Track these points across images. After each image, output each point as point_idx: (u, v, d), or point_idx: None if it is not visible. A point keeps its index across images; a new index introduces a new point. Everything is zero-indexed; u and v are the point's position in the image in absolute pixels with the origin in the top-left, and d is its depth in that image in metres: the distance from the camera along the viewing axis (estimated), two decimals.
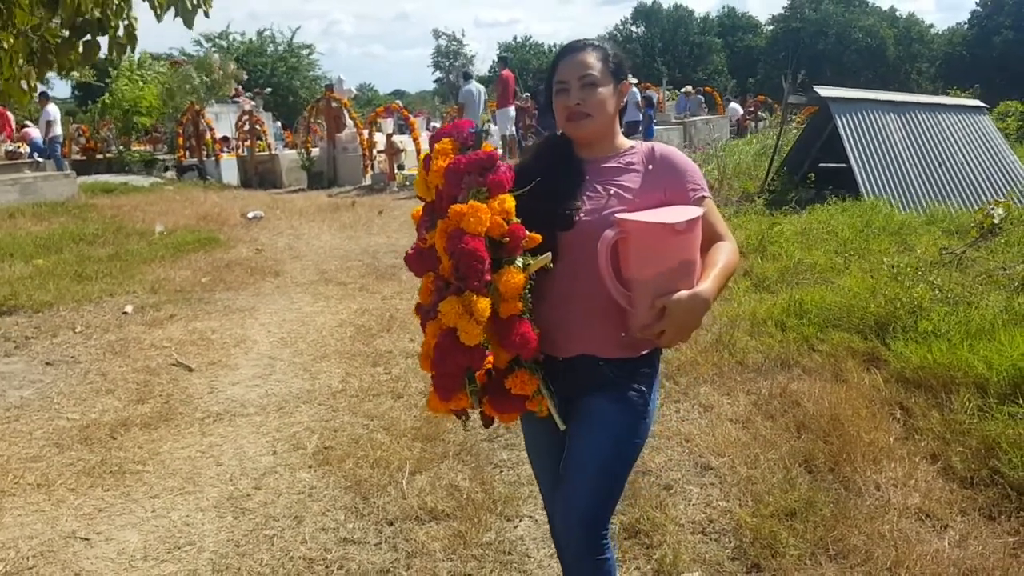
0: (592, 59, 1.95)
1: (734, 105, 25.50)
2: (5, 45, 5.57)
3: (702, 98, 25.27)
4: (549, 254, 1.79)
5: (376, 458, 3.79)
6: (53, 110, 17.00)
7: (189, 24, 4.71)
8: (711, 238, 1.92)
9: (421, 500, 3.36)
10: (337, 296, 7.22)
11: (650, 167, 1.97)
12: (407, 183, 14.89)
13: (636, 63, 49.99)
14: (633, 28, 63.10)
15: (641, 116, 17.76)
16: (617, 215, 1.83)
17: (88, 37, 4.87)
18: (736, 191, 10.63)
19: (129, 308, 6.74)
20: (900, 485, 3.30)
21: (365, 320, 6.29)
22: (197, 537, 3.19)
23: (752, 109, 26.51)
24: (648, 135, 17.93)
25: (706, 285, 1.79)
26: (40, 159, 15.75)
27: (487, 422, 1.95)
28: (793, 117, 16.72)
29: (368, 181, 16.00)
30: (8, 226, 11.10)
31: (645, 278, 1.77)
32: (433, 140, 1.84)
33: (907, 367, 4.28)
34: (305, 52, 38.03)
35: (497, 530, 3.14)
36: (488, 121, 16.13)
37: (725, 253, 1.90)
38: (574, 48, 1.98)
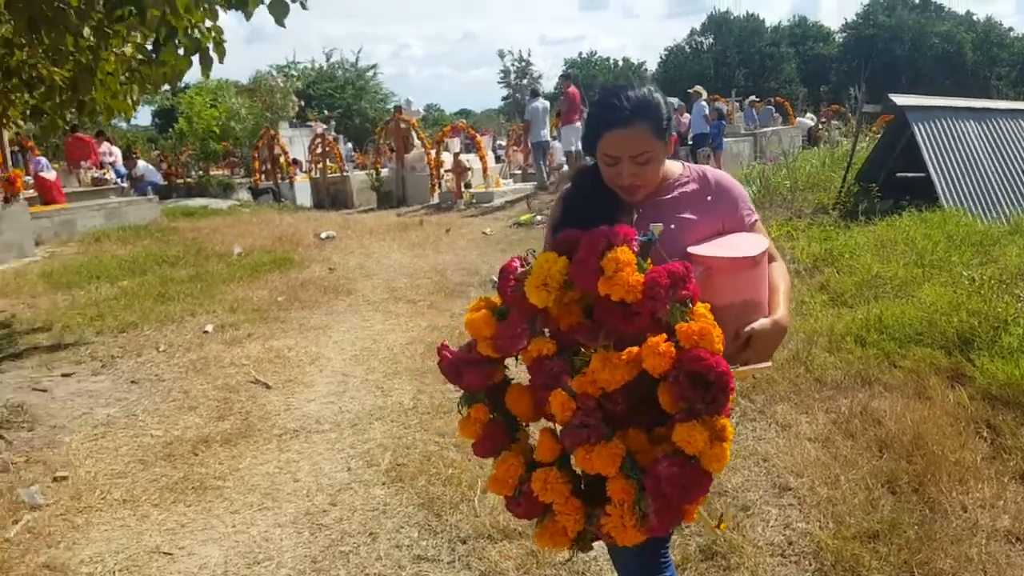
0: (645, 133, 1.79)
1: (803, 120, 25.01)
2: (108, 68, 5.92)
3: (773, 108, 24.85)
4: (770, 363, 1.78)
5: (448, 476, 3.82)
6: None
7: (279, 19, 4.85)
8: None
9: (493, 519, 3.36)
10: (407, 314, 7.32)
11: (708, 198, 1.92)
12: (473, 201, 15.04)
13: (706, 75, 49.54)
14: (702, 39, 62.60)
15: (709, 129, 17.55)
16: (690, 251, 1.81)
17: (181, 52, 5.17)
18: (809, 203, 10.39)
19: (209, 327, 6.96)
20: (988, 506, 3.17)
21: (435, 337, 6.35)
22: (276, 552, 3.26)
23: (824, 119, 25.95)
24: (717, 148, 17.71)
25: (782, 311, 1.83)
26: (123, 183, 16.46)
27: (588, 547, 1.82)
28: (868, 126, 16.30)
29: (436, 200, 16.21)
30: (95, 249, 11.59)
31: (726, 307, 1.76)
32: (594, 244, 1.63)
33: (993, 384, 4.11)
34: (370, 74, 38.77)
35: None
36: (555, 138, 16.17)
37: (782, 275, 1.95)
38: (622, 120, 1.78)
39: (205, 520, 3.58)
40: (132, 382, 5.67)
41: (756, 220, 1.97)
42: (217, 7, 5.32)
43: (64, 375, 5.88)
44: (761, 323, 1.78)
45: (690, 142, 18.23)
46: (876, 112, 13.18)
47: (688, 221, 1.88)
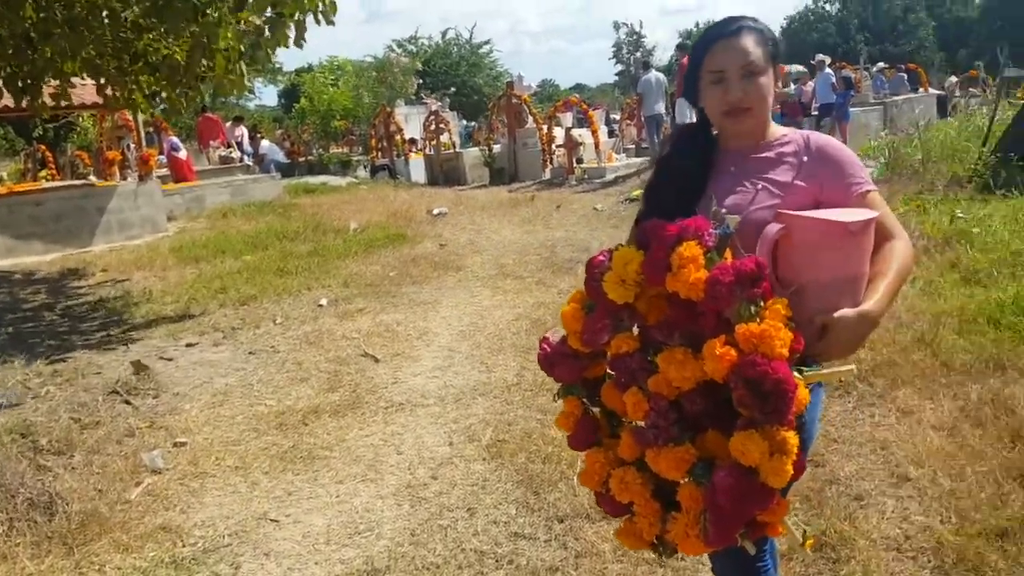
0: (752, 44, 1.72)
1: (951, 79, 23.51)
2: (224, 43, 6.16)
3: (904, 75, 23.43)
4: (852, 367, 1.63)
5: (548, 453, 3.78)
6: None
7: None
8: (881, 237, 1.69)
9: (591, 498, 3.29)
10: (515, 290, 7.32)
11: (805, 159, 1.75)
12: (585, 176, 14.88)
13: (829, 43, 47.24)
14: (827, 6, 59.70)
15: (835, 99, 16.70)
16: (779, 210, 1.65)
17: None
18: (942, 175, 9.74)
19: (324, 301, 7.17)
20: None
21: (541, 314, 6.32)
22: (376, 524, 3.32)
23: (962, 85, 24.31)
24: (844, 119, 16.85)
25: (875, 301, 1.58)
26: (250, 162, 17.19)
27: (672, 552, 1.72)
28: (1014, 93, 15.12)
29: (547, 175, 16.13)
30: (222, 225, 12.16)
31: (807, 285, 1.59)
32: (664, 239, 1.55)
33: None
34: (484, 49, 38.81)
35: None
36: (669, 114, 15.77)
37: (897, 257, 1.67)
38: (729, 31, 1.74)
39: (311, 489, 3.69)
40: (250, 353, 5.90)
41: (869, 191, 1.73)
42: None
43: (188, 345, 6.20)
44: (841, 314, 1.54)
45: (815, 112, 17.43)
46: (1021, 76, 12.23)
47: (779, 183, 1.73)
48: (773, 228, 1.61)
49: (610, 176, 14.28)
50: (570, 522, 3.18)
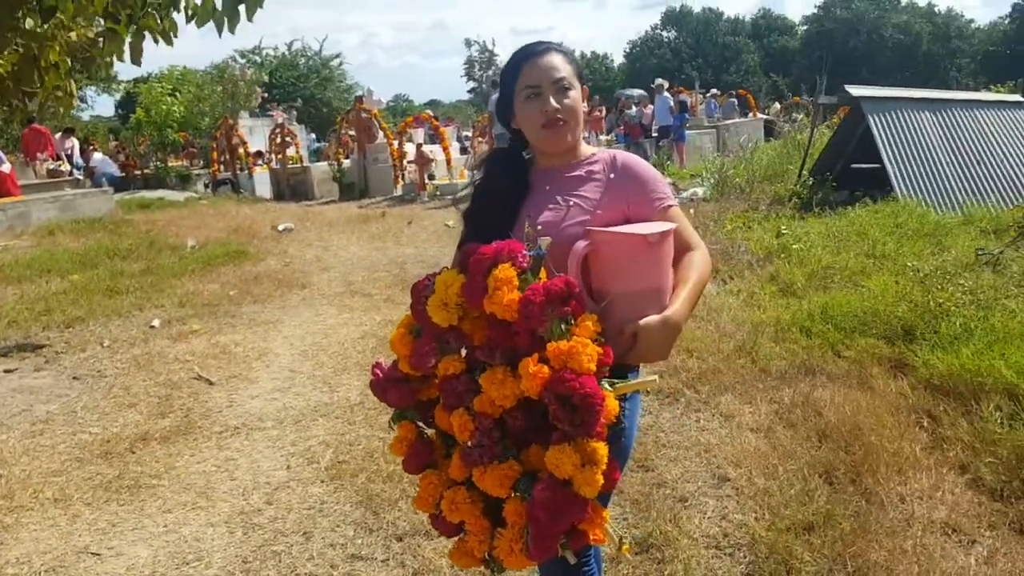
0: (561, 61, 1.84)
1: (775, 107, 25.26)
2: (53, 58, 5.71)
3: (735, 101, 25.01)
4: (655, 377, 1.72)
5: (389, 472, 3.76)
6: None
7: (228, 29, 4.73)
8: (681, 248, 1.82)
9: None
10: (362, 308, 7.23)
11: (611, 176, 1.86)
12: (437, 193, 14.94)
13: (667, 68, 49.76)
14: (664, 33, 62.95)
15: (672, 121, 17.61)
16: (588, 227, 1.74)
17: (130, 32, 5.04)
18: (767, 194, 10.47)
19: (156, 322, 6.82)
20: (925, 497, 3.19)
21: (388, 332, 6.26)
22: (206, 553, 3.19)
23: (785, 111, 26.20)
24: (680, 139, 17.78)
25: (676, 307, 1.69)
26: (80, 176, 16.13)
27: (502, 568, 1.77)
28: (830, 117, 16.43)
29: (399, 192, 16.09)
30: (48, 243, 11.32)
31: (617, 297, 1.68)
32: (480, 263, 1.61)
33: (934, 374, 4.14)
34: (335, 62, 38.16)
35: None
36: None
37: (696, 267, 1.80)
38: (538, 51, 1.85)
39: (137, 520, 3.49)
40: (74, 378, 5.53)
41: (671, 206, 1.85)
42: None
43: (7, 371, 5.74)
44: (647, 321, 1.64)
45: (655, 134, 18.30)
46: (833, 104, 13.30)
47: (590, 200, 1.82)
48: (580, 245, 1.70)
49: (462, 193, 14.41)
50: (408, 540, 3.17)
